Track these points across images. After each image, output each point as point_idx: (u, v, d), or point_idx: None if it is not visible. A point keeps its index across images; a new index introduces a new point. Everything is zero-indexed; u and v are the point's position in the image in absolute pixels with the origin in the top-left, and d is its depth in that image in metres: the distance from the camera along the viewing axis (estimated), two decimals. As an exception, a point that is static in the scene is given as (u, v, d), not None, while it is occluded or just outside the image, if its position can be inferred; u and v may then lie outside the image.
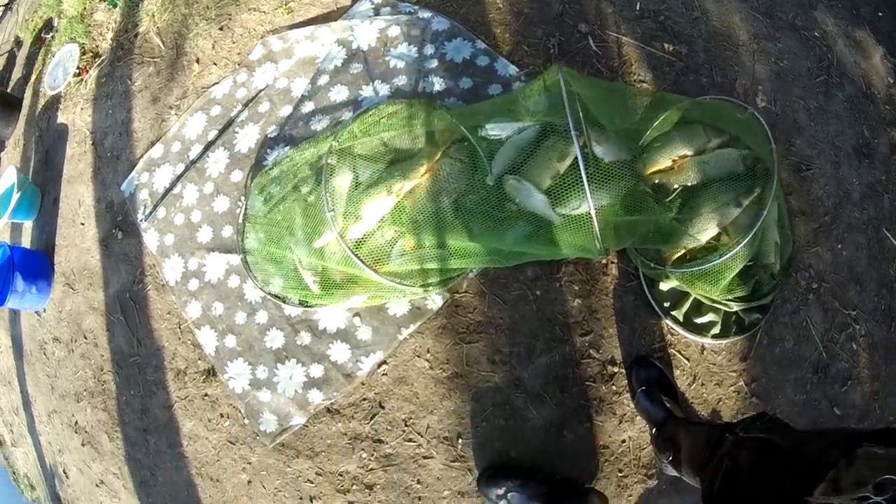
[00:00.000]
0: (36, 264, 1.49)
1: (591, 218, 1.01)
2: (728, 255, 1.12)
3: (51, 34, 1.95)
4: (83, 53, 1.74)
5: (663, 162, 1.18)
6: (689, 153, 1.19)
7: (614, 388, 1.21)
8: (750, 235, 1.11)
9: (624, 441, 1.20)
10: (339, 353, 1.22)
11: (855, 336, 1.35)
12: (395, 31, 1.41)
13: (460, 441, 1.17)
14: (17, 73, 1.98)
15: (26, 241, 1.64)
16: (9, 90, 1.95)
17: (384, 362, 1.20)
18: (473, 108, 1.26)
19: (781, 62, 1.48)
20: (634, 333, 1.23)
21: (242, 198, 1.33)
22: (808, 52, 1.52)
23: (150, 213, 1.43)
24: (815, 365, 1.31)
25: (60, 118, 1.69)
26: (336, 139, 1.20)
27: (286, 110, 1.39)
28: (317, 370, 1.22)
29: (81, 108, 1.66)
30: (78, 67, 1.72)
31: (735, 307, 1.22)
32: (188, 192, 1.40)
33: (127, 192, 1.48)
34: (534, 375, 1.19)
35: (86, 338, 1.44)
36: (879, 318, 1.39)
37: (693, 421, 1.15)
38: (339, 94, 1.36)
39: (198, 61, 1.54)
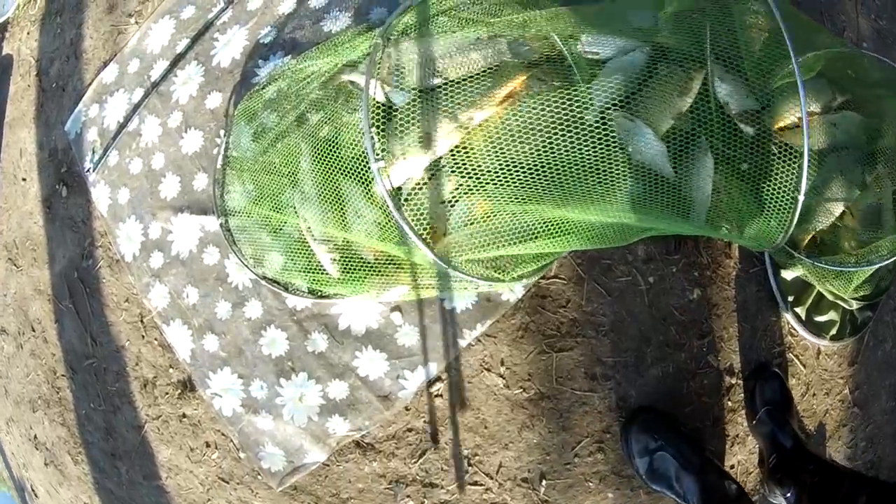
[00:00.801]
0: None
1: (796, 195, 0.30)
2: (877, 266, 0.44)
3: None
4: (39, -31, 0.81)
5: (789, 117, 0.46)
6: (817, 110, 0.48)
7: (730, 403, 0.53)
8: None
9: (732, 466, 0.54)
10: (372, 365, 0.48)
11: None
12: None
13: (544, 483, 0.48)
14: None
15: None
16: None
17: (438, 378, 0.48)
18: (570, 10, 0.42)
19: (881, 21, 0.74)
20: (755, 334, 0.54)
21: (222, 132, 0.53)
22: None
23: (100, 159, 0.60)
24: None
25: (6, 49, 0.78)
26: (385, 35, 0.41)
27: (287, 5, 0.54)
28: (339, 389, 0.48)
29: (28, 33, 0.75)
30: (31, -16, 0.79)
31: (856, 305, 0.57)
32: (148, 126, 0.57)
33: (72, 133, 0.63)
34: (642, 393, 0.49)
35: (34, 330, 0.64)
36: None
37: (832, 463, 0.53)
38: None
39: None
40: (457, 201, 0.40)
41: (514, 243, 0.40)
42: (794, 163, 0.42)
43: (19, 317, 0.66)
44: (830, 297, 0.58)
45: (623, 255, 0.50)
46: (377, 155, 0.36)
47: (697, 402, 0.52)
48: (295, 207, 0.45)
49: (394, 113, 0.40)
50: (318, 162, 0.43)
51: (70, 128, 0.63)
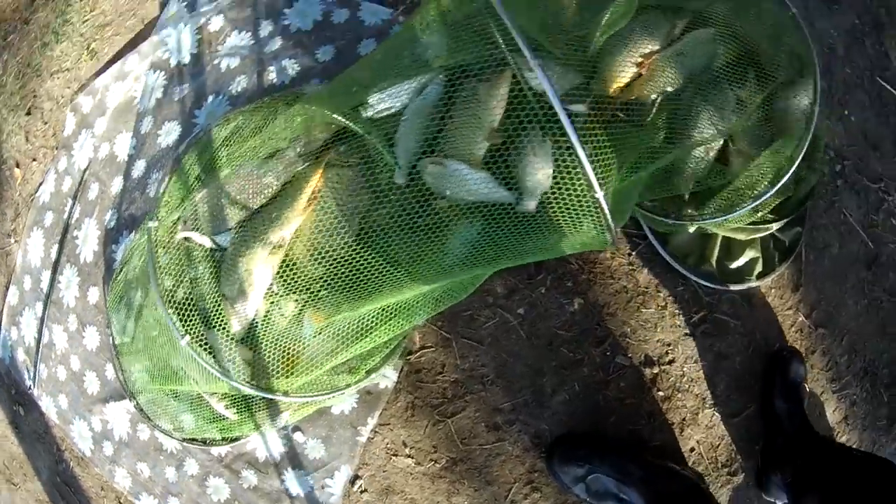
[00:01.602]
0: None
1: (591, 188, 0.38)
2: (787, 177, 0.50)
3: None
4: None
5: (627, 70, 0.50)
6: (656, 48, 0.52)
7: (661, 392, 0.62)
8: (808, 138, 0.49)
9: (693, 448, 0.63)
10: (298, 484, 0.63)
11: (892, 210, 0.75)
12: (217, 22, 0.70)
13: (492, 537, 0.62)
14: None
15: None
16: None
17: (357, 477, 0.63)
18: (342, 79, 0.54)
19: None
20: (664, 313, 0.62)
21: (107, 323, 0.72)
22: None
23: (34, 375, 0.82)
24: (865, 260, 0.72)
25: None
26: (153, 218, 0.55)
27: (117, 184, 0.71)
28: (281, 511, 0.66)
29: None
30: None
31: (775, 225, 0.60)
32: (56, 335, 0.77)
33: (6, 358, 0.87)
34: (555, 422, 0.59)
35: (47, 530, 0.90)
36: (905, 180, 0.78)
37: (837, 444, 0.61)
38: (170, 133, 0.68)
39: (17, 165, 0.86)
40: (302, 317, 0.53)
41: (360, 339, 0.52)
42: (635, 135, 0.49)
43: (33, 525, 0.91)
44: (740, 236, 0.62)
45: (483, 300, 0.60)
46: (181, 332, 0.49)
47: (621, 408, 0.61)
48: (182, 372, 0.61)
49: (224, 255, 0.54)
50: (183, 325, 0.59)
51: (2, 354, 0.86)
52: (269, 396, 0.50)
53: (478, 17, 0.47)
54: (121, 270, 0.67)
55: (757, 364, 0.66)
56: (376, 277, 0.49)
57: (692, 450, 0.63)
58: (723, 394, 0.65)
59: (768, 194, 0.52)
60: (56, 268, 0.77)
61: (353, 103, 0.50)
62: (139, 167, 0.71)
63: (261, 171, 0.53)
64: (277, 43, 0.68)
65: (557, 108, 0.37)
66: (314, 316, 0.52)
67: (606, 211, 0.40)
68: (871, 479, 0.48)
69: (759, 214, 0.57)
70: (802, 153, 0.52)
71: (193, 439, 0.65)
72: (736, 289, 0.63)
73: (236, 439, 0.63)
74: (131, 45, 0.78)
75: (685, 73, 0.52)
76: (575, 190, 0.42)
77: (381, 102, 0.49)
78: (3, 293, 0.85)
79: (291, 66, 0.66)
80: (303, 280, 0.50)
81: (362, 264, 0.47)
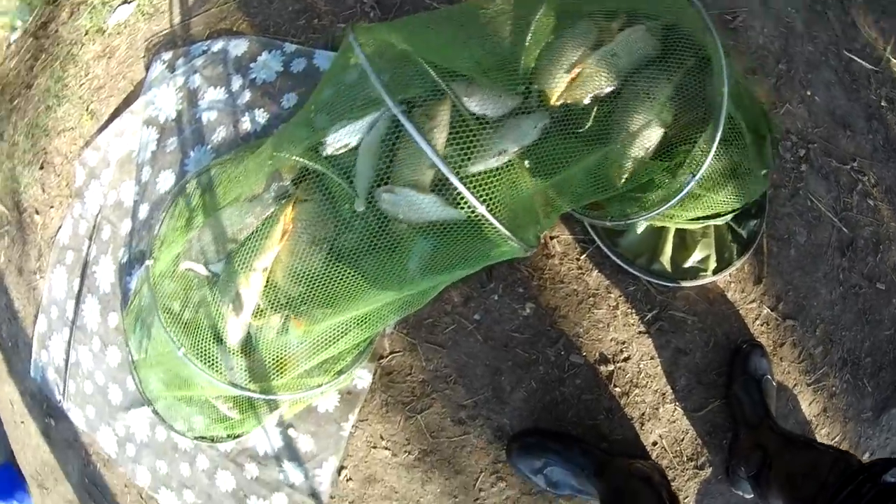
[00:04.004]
0: (6, 479, 1.17)
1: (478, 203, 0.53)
2: (712, 153, 0.60)
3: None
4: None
5: (561, 79, 0.63)
6: (581, 53, 0.64)
7: (618, 389, 0.76)
8: (721, 120, 0.60)
9: (655, 443, 0.76)
10: (293, 474, 0.82)
11: (868, 190, 0.83)
12: (195, 80, 0.90)
13: (462, 519, 0.78)
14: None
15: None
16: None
17: (342, 467, 0.81)
18: (297, 122, 0.71)
19: None
20: (615, 313, 0.77)
21: (126, 342, 0.92)
22: None
23: (64, 390, 1.05)
24: (839, 246, 0.81)
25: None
26: (150, 257, 0.75)
27: (126, 226, 0.93)
28: (280, 500, 0.83)
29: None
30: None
31: (728, 216, 0.70)
32: (82, 355, 1.00)
33: (38, 378, 1.10)
34: (515, 417, 0.75)
35: (78, 530, 1.12)
36: (883, 156, 0.86)
37: (799, 438, 0.69)
38: (166, 181, 0.89)
39: (37, 212, 1.10)
40: (286, 330, 0.71)
41: (332, 344, 0.69)
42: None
43: (63, 526, 1.14)
44: (694, 229, 0.73)
45: (441, 308, 0.77)
46: (177, 345, 0.68)
47: (579, 403, 0.76)
48: (193, 380, 0.81)
49: (214, 281, 0.73)
50: (190, 340, 0.78)
51: (34, 374, 1.09)
52: (252, 395, 0.68)
53: (407, 60, 0.62)
54: (134, 297, 0.88)
55: (718, 359, 0.77)
56: (346, 292, 0.66)
57: (654, 444, 0.76)
58: (684, 389, 0.77)
59: (691, 182, 0.59)
60: (79, 298, 0.99)
61: (311, 144, 0.67)
62: (143, 210, 0.92)
63: (243, 212, 0.72)
64: (247, 95, 0.86)
65: (439, 163, 0.53)
66: (295, 323, 0.69)
67: (498, 224, 0.54)
68: (831, 472, 0.54)
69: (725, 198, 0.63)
70: (718, 136, 0.58)
71: (203, 437, 0.84)
72: (689, 285, 0.74)
73: (239, 436, 0.82)
74: (126, 102, 0.99)
75: (621, 71, 0.63)
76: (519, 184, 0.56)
77: (338, 141, 0.65)
78: (33, 322, 1.08)
79: (261, 115, 0.84)
80: (283, 298, 0.68)
81: (333, 282, 0.64)
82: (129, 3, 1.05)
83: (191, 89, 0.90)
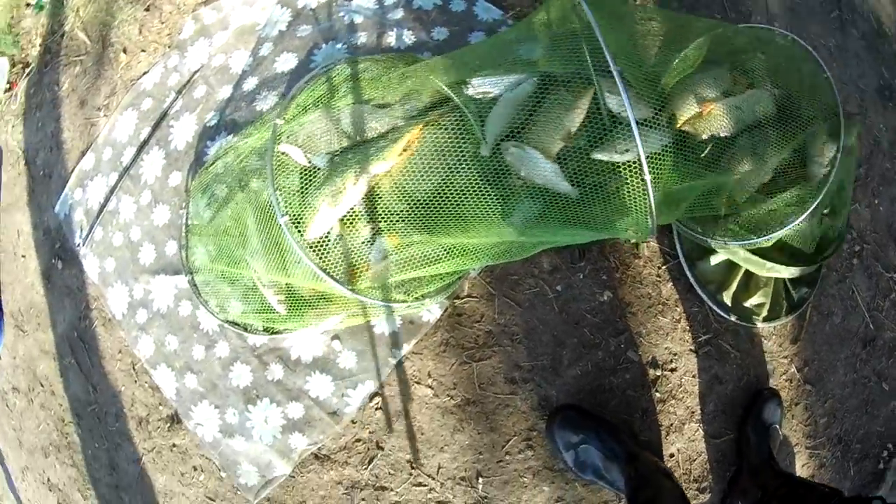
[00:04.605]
0: None
1: (646, 186, 0.56)
2: (805, 215, 0.67)
3: (-13, 51, 1.43)
4: (13, 66, 1.22)
5: (691, 109, 0.69)
6: (713, 96, 0.69)
7: (658, 394, 0.78)
8: (825, 188, 0.67)
9: (672, 455, 0.78)
10: (320, 387, 0.78)
11: None
12: None
13: (481, 480, 0.75)
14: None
15: (-27, 281, 1.20)
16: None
17: (377, 394, 0.76)
18: (454, 57, 0.73)
19: None
20: (676, 326, 0.79)
21: (184, 204, 0.87)
22: (825, -22, 1.01)
23: (87, 235, 0.97)
24: (863, 338, 0.89)
25: (-5, 139, 1.21)
26: (281, 116, 0.73)
27: (225, 91, 0.89)
28: (296, 410, 0.79)
29: (13, 126, 1.17)
30: (8, 82, 1.21)
31: (791, 274, 0.76)
32: (124, 205, 0.93)
33: (62, 214, 1.02)
34: (563, 391, 0.75)
35: (42, 385, 1.01)
36: (921, 278, 0.96)
37: (800, 478, 0.75)
38: (286, 62, 0.86)
39: (125, 51, 1.04)
40: (373, 241, 0.70)
41: (421, 267, 0.68)
42: (687, 155, 0.66)
43: (28, 375, 1.03)
44: (763, 274, 0.79)
45: (529, 269, 0.77)
46: (282, 211, 0.66)
47: (622, 396, 0.77)
48: (246, 260, 0.77)
49: (315, 174, 0.71)
50: (261, 220, 0.74)
51: (59, 210, 1.01)
52: (343, 290, 0.66)
53: (574, 37, 0.66)
54: (212, 163, 0.84)
55: (744, 396, 0.81)
56: (445, 225, 0.66)
57: (672, 455, 0.78)
58: (710, 414, 0.80)
59: (781, 231, 0.67)
60: (143, 147, 0.93)
61: (457, 79, 0.68)
62: (251, 83, 0.88)
63: (369, 115, 0.71)
64: (400, 13, 0.87)
65: (632, 119, 0.55)
66: (390, 238, 0.68)
67: (651, 196, 0.56)
68: (822, 500, 0.60)
69: (772, 251, 0.70)
70: (817, 202, 0.66)
71: (235, 323, 0.79)
72: (742, 324, 0.80)
73: (277, 333, 0.78)
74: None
75: (738, 123, 0.69)
76: (633, 179, 0.60)
77: (482, 86, 0.68)
78: (78, 157, 1.01)
79: (408, 36, 0.85)
80: (383, 211, 0.67)
81: (436, 211, 0.64)
82: None
83: (341, -14, 0.90)
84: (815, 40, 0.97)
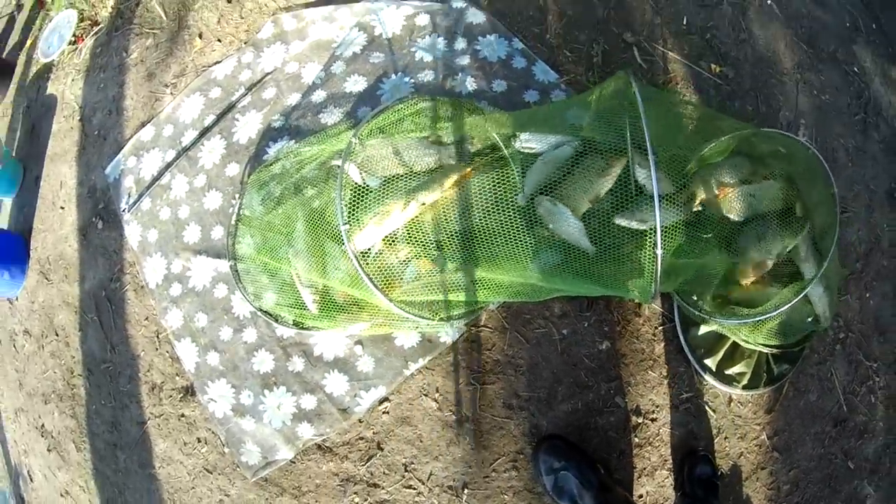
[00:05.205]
0: (11, 247, 1.08)
1: (655, 256, 0.66)
2: (797, 298, 0.77)
3: (54, -1, 1.47)
4: (81, 20, 1.28)
5: (708, 191, 0.81)
6: (731, 181, 0.81)
7: (636, 439, 0.88)
8: (813, 278, 0.78)
9: (641, 496, 0.87)
10: (336, 384, 0.85)
11: (874, 389, 1.04)
12: (423, 19, 1.00)
13: (466, 492, 0.83)
14: (14, 38, 1.49)
15: (3, 221, 1.22)
16: (4, 55, 1.48)
17: (386, 399, 0.84)
18: (512, 116, 0.83)
19: (823, 95, 1.11)
20: (663, 381, 0.89)
21: (237, 195, 0.94)
22: (848, 87, 1.15)
23: (135, 203, 1.02)
24: (835, 418, 1.00)
25: (51, 89, 1.24)
26: (356, 136, 0.81)
27: (294, 98, 0.98)
28: (309, 401, 0.86)
29: (73, 80, 1.21)
30: (74, 35, 1.26)
31: (769, 350, 0.88)
32: (177, 183, 0.99)
33: (111, 177, 1.07)
34: (553, 423, 0.84)
35: (57, 335, 1.05)
36: (897, 371, 1.09)
37: None
38: (356, 84, 0.95)
39: (200, 36, 1.11)
40: (409, 262, 0.78)
41: (448, 293, 0.76)
42: (700, 231, 0.77)
43: (44, 322, 1.06)
44: (747, 346, 0.90)
45: (541, 311, 0.86)
46: (344, 220, 0.73)
47: (604, 436, 0.86)
48: (289, 258, 0.84)
49: (367, 193, 0.79)
50: (310, 225, 0.82)
51: (110, 172, 1.06)
52: (381, 297, 0.73)
53: (617, 112, 0.77)
54: (271, 163, 0.91)
55: (720, 451, 0.91)
56: (476, 257, 0.74)
57: (640, 497, 0.87)
58: (679, 465, 0.90)
59: (764, 316, 0.78)
60: (204, 133, 1.00)
61: (509, 132, 0.78)
62: (319, 95, 0.96)
63: (427, 150, 0.80)
64: (466, 60, 0.96)
65: (656, 193, 0.65)
66: (422, 264, 0.77)
67: (659, 265, 0.66)
68: None
69: (773, 341, 0.82)
70: (802, 294, 0.75)
71: (268, 313, 0.86)
72: (722, 388, 0.90)
73: (305, 329, 0.84)
74: (345, -5, 1.06)
75: (749, 209, 0.79)
76: (645, 247, 0.70)
77: (529, 141, 0.78)
78: (137, 127, 1.06)
79: (470, 83, 0.94)
80: (424, 238, 0.76)
81: (469, 244, 0.73)
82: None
83: (417, 24, 0.99)
84: (836, 140, 1.06)
